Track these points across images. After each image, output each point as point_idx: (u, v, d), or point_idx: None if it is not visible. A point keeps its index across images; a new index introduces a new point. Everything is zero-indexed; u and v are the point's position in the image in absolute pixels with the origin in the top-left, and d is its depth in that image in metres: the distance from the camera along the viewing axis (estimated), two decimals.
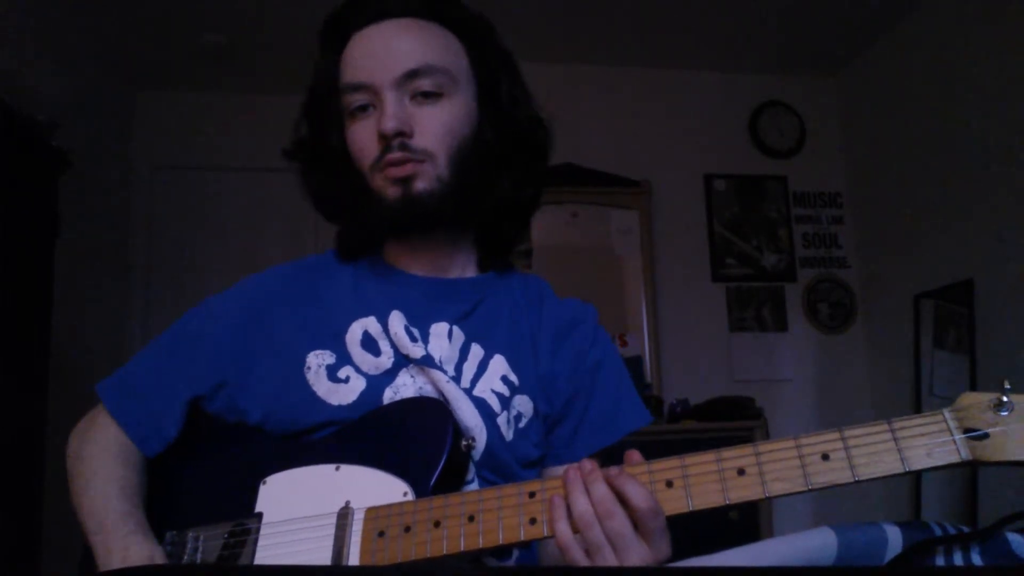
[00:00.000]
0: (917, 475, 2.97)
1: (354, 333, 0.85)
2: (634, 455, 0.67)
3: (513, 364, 0.86)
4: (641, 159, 3.43)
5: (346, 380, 0.83)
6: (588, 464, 0.66)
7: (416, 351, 0.82)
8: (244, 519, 0.76)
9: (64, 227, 2.58)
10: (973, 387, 2.75)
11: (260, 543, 0.73)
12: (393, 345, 0.83)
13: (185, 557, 0.76)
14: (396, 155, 0.81)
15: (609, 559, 0.62)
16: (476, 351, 0.86)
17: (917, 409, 3.04)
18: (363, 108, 0.84)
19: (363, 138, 0.84)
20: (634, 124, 3.48)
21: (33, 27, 2.66)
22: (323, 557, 0.69)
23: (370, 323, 0.85)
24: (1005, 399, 0.58)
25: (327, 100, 0.88)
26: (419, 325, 0.85)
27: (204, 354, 0.87)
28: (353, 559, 0.68)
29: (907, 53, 3.19)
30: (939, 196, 2.99)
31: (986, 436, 0.58)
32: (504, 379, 0.85)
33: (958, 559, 0.58)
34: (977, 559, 0.58)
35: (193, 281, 3.41)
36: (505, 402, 0.83)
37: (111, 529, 0.76)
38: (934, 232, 3.02)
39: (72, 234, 2.70)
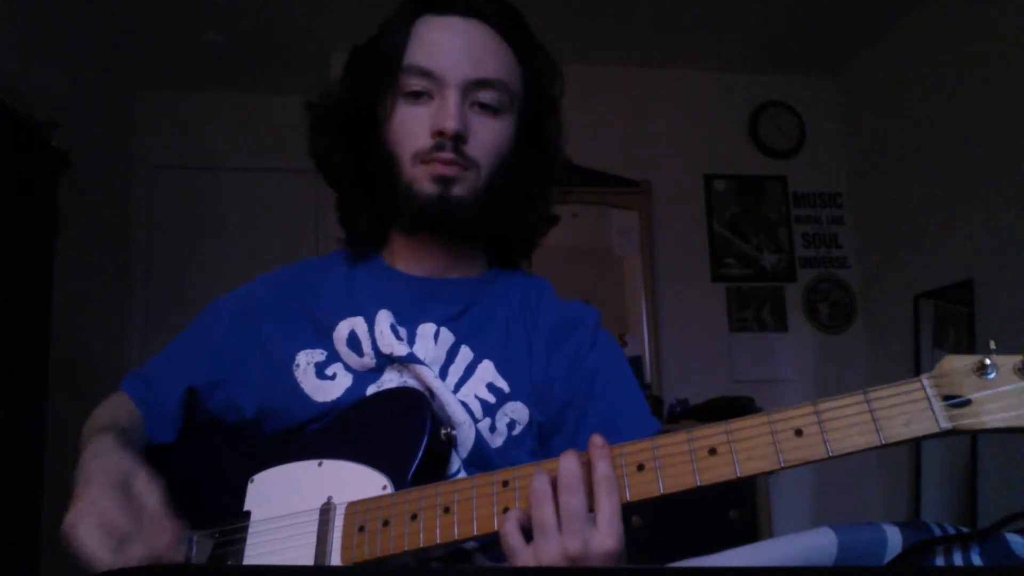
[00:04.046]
0: (916, 474, 2.97)
1: (340, 332, 0.85)
2: (595, 437, 0.64)
3: (503, 370, 0.84)
4: (641, 159, 3.43)
5: (333, 377, 0.84)
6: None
7: (400, 348, 0.82)
8: (233, 518, 0.77)
9: (64, 227, 2.58)
10: None
11: (248, 542, 0.74)
12: (374, 345, 0.83)
13: (181, 555, 0.76)
14: (448, 155, 0.82)
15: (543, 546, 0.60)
16: (465, 353, 0.85)
17: None
18: (418, 94, 0.84)
19: (414, 125, 0.84)
20: (634, 124, 3.48)
21: (33, 27, 2.66)
22: (307, 553, 0.70)
23: (357, 323, 0.85)
24: (988, 361, 0.55)
25: (381, 69, 0.86)
26: (407, 325, 0.85)
27: (204, 349, 0.91)
28: (335, 554, 0.69)
29: (907, 53, 3.20)
30: (939, 196, 2.99)
31: (968, 403, 0.54)
32: (491, 386, 0.83)
33: (958, 559, 0.58)
34: (977, 559, 0.58)
35: (193, 281, 3.41)
36: (489, 409, 0.82)
37: (89, 440, 0.78)
38: (934, 232, 3.02)
39: (72, 234, 2.70)
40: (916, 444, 3.04)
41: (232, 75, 3.45)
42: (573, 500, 0.60)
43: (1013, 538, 0.58)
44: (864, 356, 3.46)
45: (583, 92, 3.40)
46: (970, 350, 2.83)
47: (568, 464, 0.61)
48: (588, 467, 0.62)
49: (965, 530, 0.60)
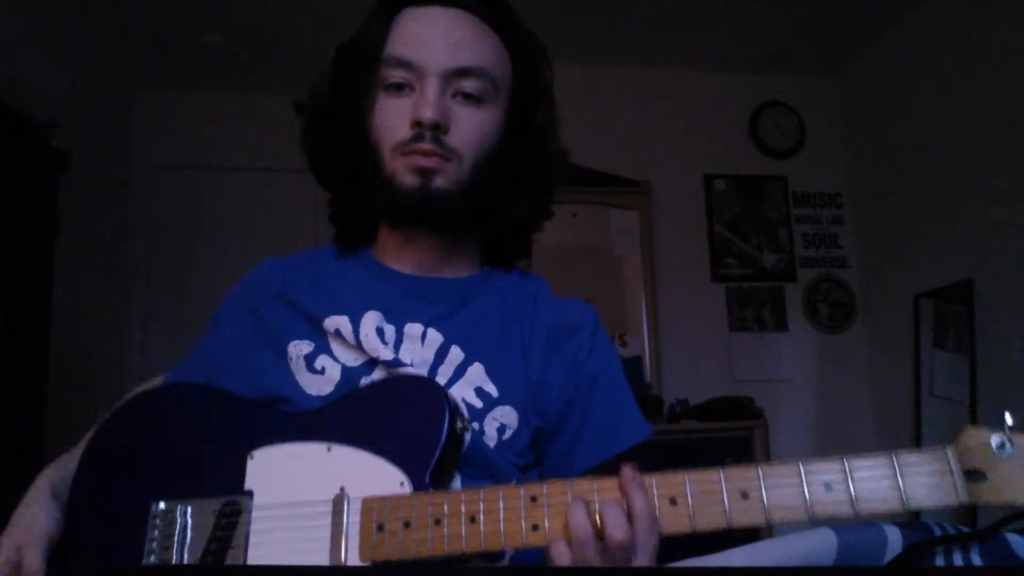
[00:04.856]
0: None
1: (327, 327, 0.84)
2: (626, 469, 0.64)
3: (493, 374, 0.82)
4: (641, 159, 3.43)
5: (322, 371, 0.82)
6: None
7: (385, 353, 0.80)
8: (234, 496, 0.73)
9: (64, 227, 2.58)
10: (973, 387, 2.75)
11: (253, 527, 0.71)
12: (359, 347, 0.82)
13: (176, 532, 0.73)
14: (427, 145, 0.80)
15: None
16: (455, 354, 0.83)
17: (917, 409, 3.04)
18: (399, 86, 0.82)
19: (394, 117, 0.82)
20: (634, 124, 3.49)
21: (33, 27, 2.66)
22: (321, 548, 0.67)
23: (342, 322, 0.83)
24: (1004, 440, 0.58)
25: (362, 63, 0.85)
26: (394, 323, 0.84)
27: (206, 354, 0.91)
28: (352, 552, 0.67)
29: (908, 53, 3.20)
30: (939, 196, 2.99)
31: (985, 478, 0.57)
32: (479, 391, 0.81)
33: (958, 559, 0.58)
34: (976, 559, 0.58)
35: (193, 281, 3.41)
36: (476, 414, 0.80)
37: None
38: (934, 232, 3.02)
39: (72, 234, 2.70)
40: (916, 441, 3.04)
41: (232, 75, 3.45)
42: (622, 555, 0.60)
43: (1013, 538, 0.58)
44: (864, 356, 3.46)
45: (583, 92, 3.40)
46: (970, 350, 2.81)
47: (618, 521, 0.61)
48: (621, 493, 0.62)
49: (965, 530, 0.60)
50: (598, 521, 0.62)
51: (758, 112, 3.57)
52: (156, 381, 0.92)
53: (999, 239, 2.69)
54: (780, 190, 3.54)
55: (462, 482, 0.76)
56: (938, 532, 0.60)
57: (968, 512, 2.69)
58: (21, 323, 2.33)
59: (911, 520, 0.64)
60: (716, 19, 3.17)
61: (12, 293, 2.28)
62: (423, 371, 0.81)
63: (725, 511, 0.61)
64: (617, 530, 0.60)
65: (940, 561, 0.59)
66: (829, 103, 3.64)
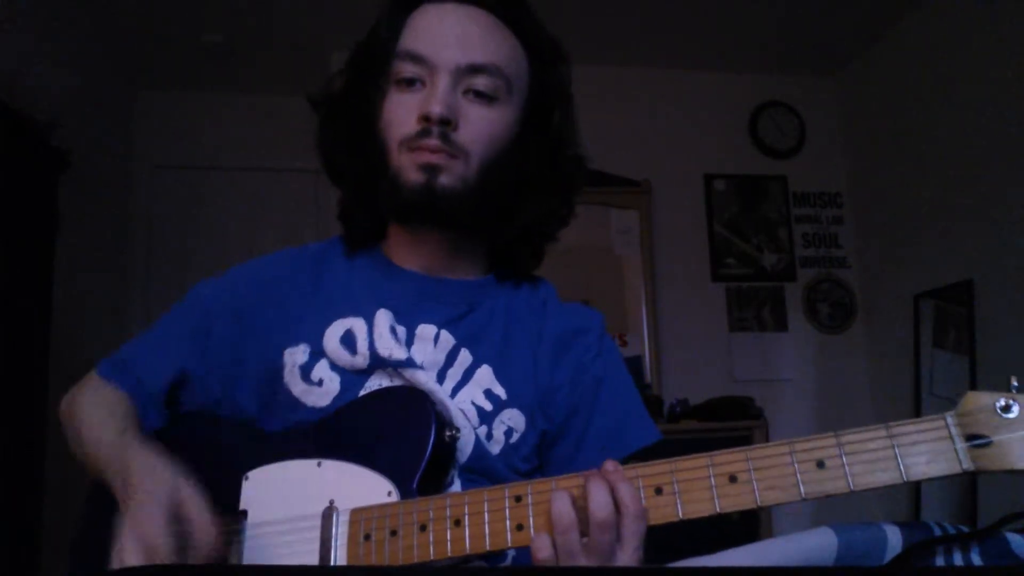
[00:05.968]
0: None
1: (335, 329, 0.83)
2: (608, 462, 0.63)
3: (501, 376, 0.82)
4: (641, 159, 3.42)
5: (319, 383, 0.81)
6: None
7: (399, 352, 0.80)
8: (229, 517, 0.74)
9: (64, 227, 2.58)
10: (973, 387, 2.73)
11: (246, 544, 0.72)
12: (371, 347, 0.81)
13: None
14: (433, 141, 0.78)
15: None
16: (464, 357, 0.83)
17: (917, 409, 3.04)
18: (411, 81, 0.81)
19: (402, 111, 0.80)
20: (634, 124, 3.48)
21: (33, 27, 2.66)
22: (310, 560, 0.68)
23: (356, 323, 0.82)
24: (1010, 401, 0.54)
25: (376, 58, 0.84)
26: (405, 323, 0.83)
27: (200, 335, 0.88)
28: (340, 563, 0.67)
29: (907, 53, 3.19)
30: (939, 196, 2.99)
31: (990, 443, 0.54)
32: (488, 393, 0.81)
33: (958, 559, 0.58)
34: (977, 559, 0.58)
35: (192, 281, 3.36)
36: (486, 417, 0.80)
37: (116, 451, 0.74)
38: (934, 232, 3.02)
39: (72, 234, 2.70)
40: None
41: (232, 75, 3.45)
42: (606, 537, 0.60)
43: (1013, 538, 0.58)
44: (864, 356, 3.45)
45: (583, 92, 3.39)
46: (970, 350, 2.81)
47: (602, 498, 0.60)
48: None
49: (965, 530, 0.60)
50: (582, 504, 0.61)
51: (758, 112, 3.57)
52: (92, 378, 0.89)
53: (999, 239, 2.69)
54: (780, 190, 3.54)
55: (463, 488, 0.76)
56: (938, 532, 0.60)
57: (968, 511, 2.69)
58: (21, 323, 2.33)
59: (911, 520, 0.64)
60: (716, 19, 3.17)
61: (12, 293, 2.28)
62: (433, 373, 0.81)
63: (713, 497, 0.59)
64: (600, 508, 0.59)
65: (940, 561, 0.58)
66: (829, 103, 3.64)
